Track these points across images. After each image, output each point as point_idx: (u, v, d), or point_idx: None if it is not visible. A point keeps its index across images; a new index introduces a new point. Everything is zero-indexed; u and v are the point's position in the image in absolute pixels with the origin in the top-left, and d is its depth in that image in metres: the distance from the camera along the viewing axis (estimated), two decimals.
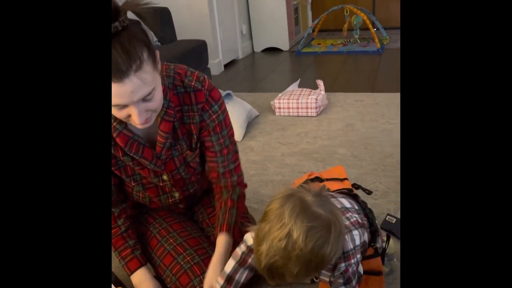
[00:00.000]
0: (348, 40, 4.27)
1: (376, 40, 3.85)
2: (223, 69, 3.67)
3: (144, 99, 0.88)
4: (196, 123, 1.06)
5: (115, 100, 0.84)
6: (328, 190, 1.03)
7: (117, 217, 1.14)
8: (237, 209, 1.14)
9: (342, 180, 1.16)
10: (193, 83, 1.03)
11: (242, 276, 0.97)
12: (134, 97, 0.85)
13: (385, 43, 4.09)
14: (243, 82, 3.36)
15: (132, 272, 1.12)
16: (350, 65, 3.54)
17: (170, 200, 1.19)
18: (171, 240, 1.16)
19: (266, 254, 0.76)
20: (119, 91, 0.82)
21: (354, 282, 0.92)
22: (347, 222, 0.91)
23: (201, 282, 1.07)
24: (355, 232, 0.91)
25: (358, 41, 4.18)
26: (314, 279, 0.99)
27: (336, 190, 1.08)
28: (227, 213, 1.12)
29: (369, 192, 1.22)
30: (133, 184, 1.12)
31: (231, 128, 1.12)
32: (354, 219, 0.94)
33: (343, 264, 0.89)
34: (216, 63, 3.52)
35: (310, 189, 0.82)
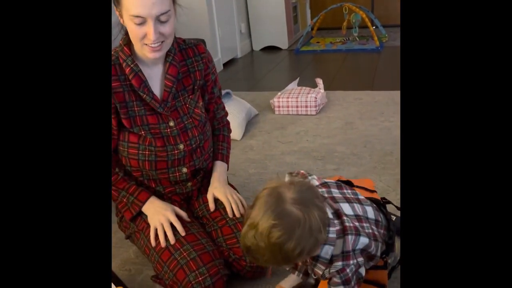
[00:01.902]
0: (347, 38, 4.26)
1: (375, 38, 3.84)
2: (222, 68, 3.66)
3: (160, 20, 1.07)
4: (201, 69, 1.25)
5: (137, 10, 1.03)
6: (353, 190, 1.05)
7: (113, 167, 1.25)
8: (227, 142, 1.40)
9: (371, 191, 1.17)
10: (192, 41, 1.27)
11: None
12: (154, 10, 1.04)
13: (384, 41, 4.08)
14: (242, 81, 3.35)
15: (144, 202, 1.21)
16: (349, 63, 3.53)
17: (176, 157, 1.21)
18: None
19: (242, 237, 0.86)
20: (142, 1, 1.02)
21: (353, 283, 0.92)
22: (351, 225, 0.93)
23: (196, 277, 1.09)
24: (363, 240, 0.93)
25: (357, 39, 4.18)
26: (312, 274, 0.99)
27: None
28: (220, 145, 1.37)
29: (398, 208, 1.19)
30: (142, 132, 1.18)
31: (219, 84, 1.37)
32: (370, 230, 0.97)
33: (340, 263, 0.91)
34: (215, 62, 3.51)
35: (295, 184, 0.87)
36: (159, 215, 1.18)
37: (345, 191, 1.05)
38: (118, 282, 1.13)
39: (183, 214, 1.20)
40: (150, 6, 1.03)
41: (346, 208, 0.97)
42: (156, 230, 1.17)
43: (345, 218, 0.93)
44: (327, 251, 0.90)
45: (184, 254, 1.13)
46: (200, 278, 1.10)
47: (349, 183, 1.23)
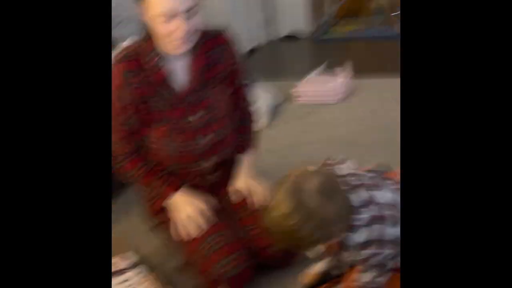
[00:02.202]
0: (370, 25, 4.17)
1: (398, 24, 3.75)
2: (244, 57, 3.64)
3: (189, 15, 1.06)
4: (225, 60, 1.24)
5: (166, 6, 1.04)
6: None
7: (142, 158, 1.24)
8: (252, 134, 1.39)
9: None
10: (215, 31, 1.24)
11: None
12: (182, 5, 1.05)
13: None
14: (264, 71, 3.33)
15: (172, 194, 1.23)
16: (373, 50, 3.46)
17: (198, 152, 1.22)
18: None
19: (263, 217, 0.89)
20: None
21: (381, 272, 0.91)
22: (391, 218, 0.92)
23: (225, 265, 1.12)
24: (391, 229, 0.91)
25: (380, 25, 4.08)
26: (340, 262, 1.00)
27: None
28: (244, 137, 1.36)
29: None
30: (165, 127, 1.18)
31: (245, 73, 1.35)
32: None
33: (368, 251, 0.90)
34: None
35: (321, 174, 0.89)
36: (187, 207, 1.19)
37: (378, 179, 1.03)
38: (151, 268, 1.15)
39: (209, 206, 1.21)
40: (178, 1, 1.03)
41: (378, 195, 0.95)
42: (184, 221, 1.18)
43: (374, 207, 0.92)
44: (353, 239, 0.89)
45: (213, 242, 1.14)
46: (228, 267, 1.11)
47: (381, 172, 1.21)
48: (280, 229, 0.85)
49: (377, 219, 0.90)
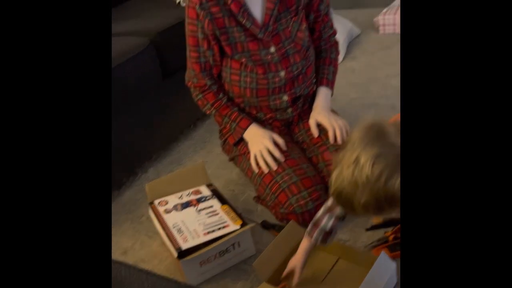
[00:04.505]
0: None
1: None
2: None
3: None
4: None
5: None
6: None
7: (216, 93, 1.24)
8: (334, 66, 1.30)
9: None
10: None
11: (328, 223, 0.92)
12: None
13: None
14: None
15: (245, 129, 1.23)
16: None
17: (277, 85, 1.19)
18: None
19: (335, 179, 0.74)
20: None
21: None
22: None
23: (298, 200, 1.11)
24: None
25: None
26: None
27: None
28: (326, 69, 1.29)
29: None
30: (243, 60, 1.16)
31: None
32: None
33: None
34: None
35: (396, 123, 0.74)
36: (258, 143, 1.19)
37: None
38: (223, 201, 1.20)
39: (280, 141, 1.20)
40: None
41: None
42: (256, 157, 1.18)
43: None
44: None
45: (286, 178, 1.14)
46: (302, 202, 1.11)
47: None
48: (366, 180, 0.70)
49: None
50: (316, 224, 0.94)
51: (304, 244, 0.96)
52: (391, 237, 1.05)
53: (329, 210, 0.93)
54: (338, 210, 0.92)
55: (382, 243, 1.05)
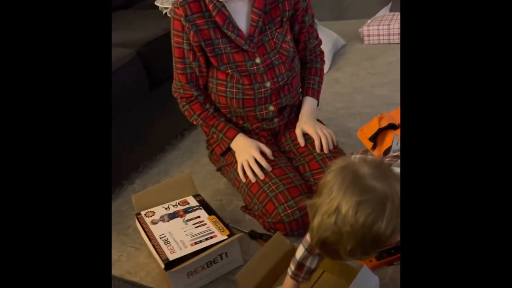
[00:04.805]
0: None
1: None
2: None
3: None
4: None
5: None
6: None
7: (203, 103, 1.25)
8: (319, 76, 1.32)
9: None
10: None
11: (313, 263, 0.90)
12: None
13: None
14: (328, 9, 3.16)
15: (231, 139, 1.24)
16: None
17: (263, 95, 1.19)
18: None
19: (317, 229, 0.71)
20: None
21: None
22: None
23: (285, 209, 1.11)
24: None
25: None
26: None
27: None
28: (311, 79, 1.31)
29: None
30: (229, 71, 1.17)
31: (312, 10, 1.28)
32: None
33: None
34: None
35: (367, 159, 0.73)
36: (245, 153, 1.20)
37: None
38: (210, 211, 1.20)
39: (267, 151, 1.21)
40: None
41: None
42: (243, 166, 1.19)
43: None
44: None
45: (273, 187, 1.14)
46: (289, 211, 1.11)
47: (392, 127, 1.11)
48: (350, 229, 0.68)
49: None
50: (300, 267, 0.90)
51: (289, 283, 0.92)
52: None
53: (310, 251, 0.89)
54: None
55: None
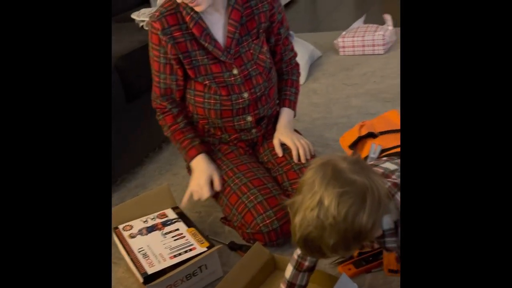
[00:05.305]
0: None
1: None
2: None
3: None
4: (266, 11, 1.20)
5: None
6: (381, 150, 0.93)
7: (176, 115, 1.25)
8: (295, 87, 1.34)
9: (398, 131, 1.07)
10: None
11: (303, 280, 0.90)
12: None
13: None
14: (304, 22, 3.22)
15: (191, 159, 1.24)
16: None
17: (241, 106, 1.20)
18: (236, 181, 1.20)
19: (299, 225, 0.71)
20: None
21: None
22: (396, 181, 0.82)
23: (264, 220, 1.12)
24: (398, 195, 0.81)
25: None
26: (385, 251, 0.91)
27: (389, 149, 1.00)
28: (288, 90, 1.32)
29: None
30: (207, 82, 1.18)
31: (287, 22, 1.31)
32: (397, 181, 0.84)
33: None
34: None
35: (346, 157, 0.75)
36: (195, 181, 1.22)
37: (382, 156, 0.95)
38: (189, 223, 1.19)
39: (217, 182, 1.21)
40: None
41: (388, 166, 0.87)
42: (191, 187, 1.24)
43: (394, 176, 0.83)
44: (387, 221, 0.80)
45: (252, 197, 1.15)
46: (267, 221, 1.12)
47: (371, 135, 1.14)
48: (334, 221, 0.68)
49: (395, 188, 0.81)
50: (291, 285, 0.91)
51: None
52: (355, 253, 1.07)
53: (298, 268, 0.89)
54: (307, 263, 0.89)
55: (348, 259, 1.07)
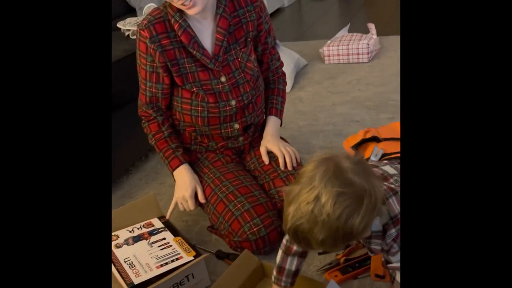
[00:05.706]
0: None
1: None
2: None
3: None
4: (254, 20, 1.21)
5: None
6: (383, 154, 0.94)
7: (161, 124, 1.26)
8: (282, 96, 1.36)
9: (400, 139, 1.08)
10: None
11: (293, 264, 0.91)
12: None
13: None
14: (290, 31, 3.25)
15: (174, 169, 1.24)
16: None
17: (228, 113, 1.21)
18: (223, 189, 1.19)
19: (292, 215, 0.72)
20: None
21: None
22: (392, 186, 0.83)
23: (251, 228, 1.12)
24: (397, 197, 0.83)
25: None
26: (370, 253, 0.90)
27: (390, 154, 1.01)
28: (275, 99, 1.34)
29: None
30: (194, 89, 1.18)
31: (274, 32, 1.33)
32: (398, 184, 0.85)
33: (393, 230, 0.81)
34: None
35: (350, 155, 0.76)
36: (179, 193, 1.23)
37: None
38: (176, 232, 1.18)
39: (200, 195, 1.22)
40: None
41: (387, 169, 0.88)
42: (176, 198, 1.24)
43: (391, 180, 0.84)
44: (376, 223, 0.81)
45: (239, 205, 1.15)
46: (254, 229, 1.12)
47: (375, 139, 1.15)
48: (327, 218, 0.69)
49: (390, 191, 0.82)
50: (281, 270, 0.91)
51: None
52: (342, 260, 1.08)
53: (287, 251, 0.91)
54: (295, 247, 0.90)
55: (334, 266, 1.08)
